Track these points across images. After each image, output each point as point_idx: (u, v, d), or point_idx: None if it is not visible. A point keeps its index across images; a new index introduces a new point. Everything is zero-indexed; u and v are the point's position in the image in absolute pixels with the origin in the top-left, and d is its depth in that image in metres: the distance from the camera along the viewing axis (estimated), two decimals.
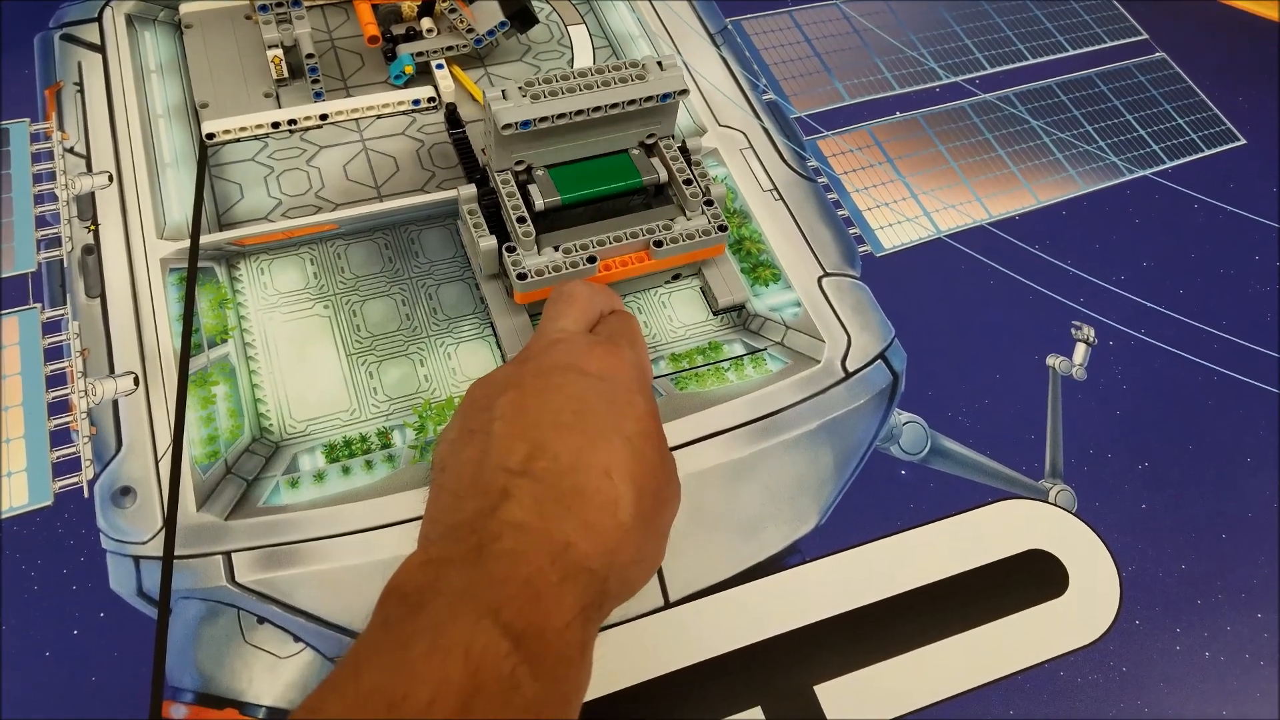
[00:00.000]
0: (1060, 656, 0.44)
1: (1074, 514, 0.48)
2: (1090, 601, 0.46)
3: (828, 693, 0.42)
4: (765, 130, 0.62)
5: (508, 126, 0.46)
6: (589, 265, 0.48)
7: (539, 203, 0.48)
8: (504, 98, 0.46)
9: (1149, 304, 0.56)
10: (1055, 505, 0.48)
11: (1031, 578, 0.46)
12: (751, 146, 0.61)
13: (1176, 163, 0.63)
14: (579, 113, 0.47)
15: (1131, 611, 0.46)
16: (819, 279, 0.55)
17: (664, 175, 0.51)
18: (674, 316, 0.53)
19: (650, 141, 0.51)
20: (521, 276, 0.48)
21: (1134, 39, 0.70)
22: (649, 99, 0.48)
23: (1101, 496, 0.49)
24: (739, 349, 0.52)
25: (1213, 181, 0.62)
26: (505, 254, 0.48)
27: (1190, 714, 0.43)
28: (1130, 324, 0.55)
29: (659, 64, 0.48)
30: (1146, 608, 0.46)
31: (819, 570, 0.46)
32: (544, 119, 0.46)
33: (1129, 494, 0.49)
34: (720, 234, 0.51)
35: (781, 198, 0.58)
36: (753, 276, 0.55)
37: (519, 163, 0.49)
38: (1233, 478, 0.50)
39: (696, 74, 0.64)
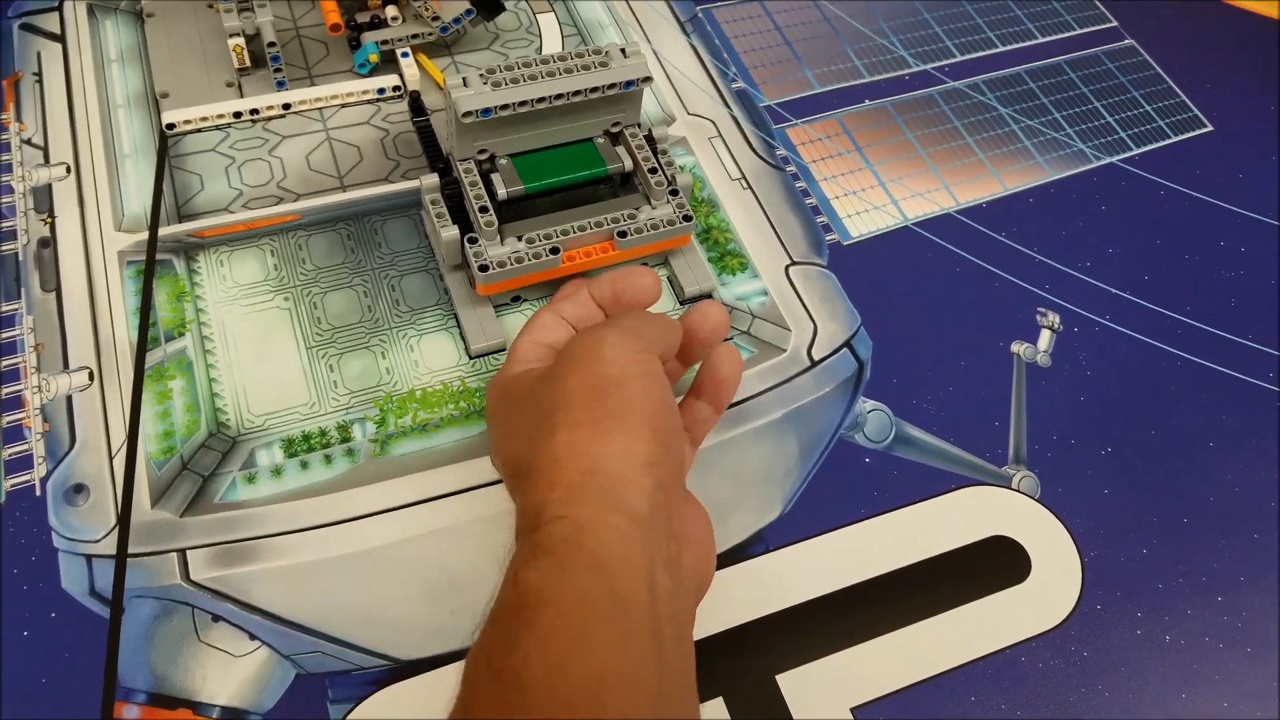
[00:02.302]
0: (1022, 642, 0.44)
1: (1037, 500, 0.48)
2: (1052, 587, 0.46)
3: (790, 682, 0.42)
4: (734, 119, 0.61)
5: (468, 114, 0.45)
6: (552, 256, 0.48)
7: (502, 192, 0.48)
8: (464, 85, 0.46)
9: (1114, 290, 0.56)
10: (1018, 492, 0.48)
11: (994, 564, 0.46)
12: (720, 135, 0.60)
13: (1144, 150, 0.63)
14: (541, 100, 0.46)
15: (1093, 596, 0.46)
16: (786, 268, 0.55)
17: (629, 164, 0.50)
18: None
19: (616, 130, 0.51)
20: (483, 268, 0.47)
21: (1103, 26, 0.70)
22: (612, 86, 0.47)
23: (1065, 482, 0.49)
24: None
25: (1179, 168, 0.62)
26: (467, 245, 0.48)
27: (1150, 698, 0.44)
28: (1095, 310, 0.55)
29: (622, 51, 0.48)
30: (1108, 592, 0.46)
31: (783, 559, 0.46)
32: (505, 106, 0.46)
33: (1092, 480, 0.49)
34: (685, 224, 0.50)
35: (750, 186, 0.58)
36: (720, 265, 0.54)
37: (482, 151, 0.48)
38: (1196, 462, 0.51)
39: (666, 62, 0.63)
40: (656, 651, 0.30)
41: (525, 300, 0.52)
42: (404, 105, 0.59)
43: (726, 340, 0.51)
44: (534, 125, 0.48)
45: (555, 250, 0.48)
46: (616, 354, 0.35)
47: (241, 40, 0.57)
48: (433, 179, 0.49)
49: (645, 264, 0.53)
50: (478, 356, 0.50)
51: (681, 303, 0.53)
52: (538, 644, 0.29)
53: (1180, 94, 0.66)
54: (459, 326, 0.50)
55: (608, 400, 0.34)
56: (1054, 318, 0.54)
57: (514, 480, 0.37)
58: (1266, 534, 0.49)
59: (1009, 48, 0.67)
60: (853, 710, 0.42)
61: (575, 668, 0.29)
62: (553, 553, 0.31)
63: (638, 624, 0.30)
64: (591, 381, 0.35)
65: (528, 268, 0.48)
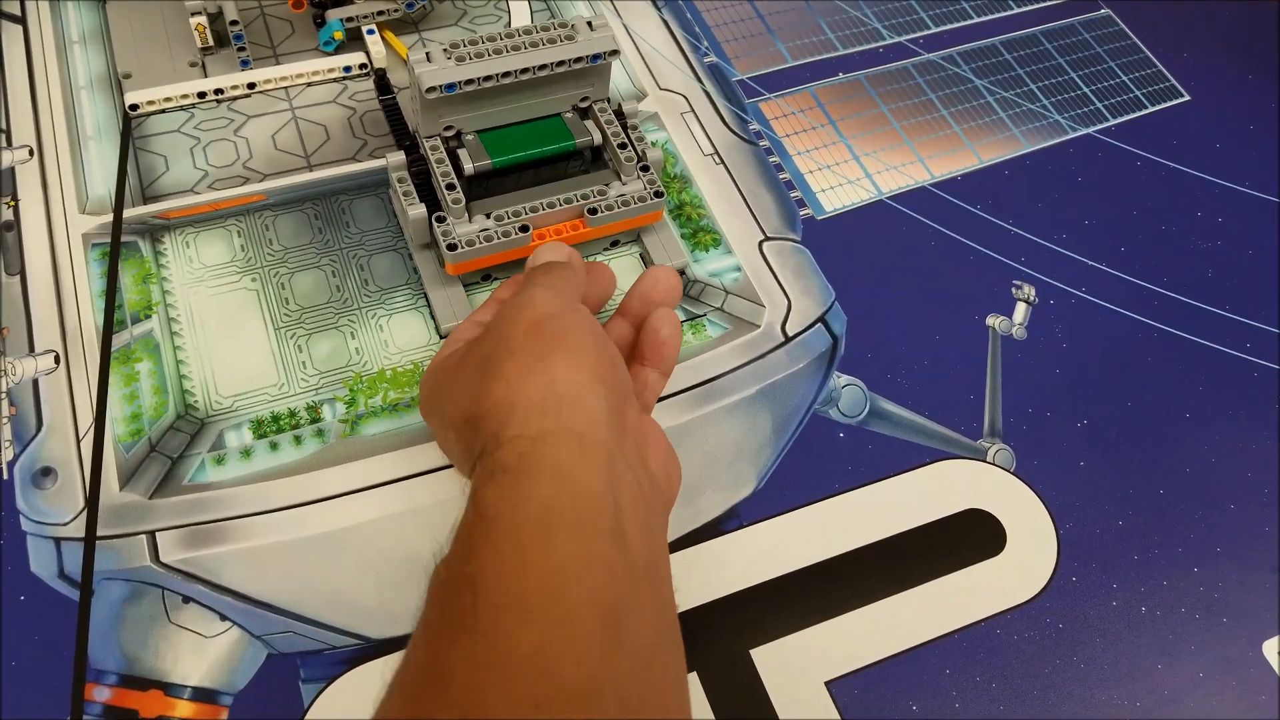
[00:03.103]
0: (997, 615, 0.44)
1: (1012, 473, 0.48)
2: (1027, 559, 0.46)
3: (764, 656, 0.42)
4: (706, 93, 0.61)
5: (432, 90, 0.45)
6: (522, 234, 0.47)
7: (469, 167, 0.47)
8: (428, 60, 0.45)
9: (1090, 262, 0.56)
10: (993, 464, 0.48)
11: (969, 537, 0.46)
12: (692, 110, 0.60)
13: (1120, 120, 0.62)
14: (506, 75, 0.46)
15: (1068, 568, 0.46)
16: (760, 243, 0.54)
17: (598, 138, 0.50)
18: None
19: (584, 105, 0.50)
20: (452, 247, 0.47)
21: None
22: (579, 60, 0.47)
23: (1040, 455, 0.49)
24: (679, 315, 0.51)
25: (1156, 138, 0.62)
26: (435, 224, 0.47)
27: (1125, 669, 0.44)
28: (1071, 283, 0.55)
29: (589, 24, 0.47)
30: (1083, 564, 0.46)
31: (756, 534, 0.45)
32: (470, 81, 0.45)
33: (1067, 452, 0.49)
34: (657, 200, 0.50)
35: (722, 161, 0.58)
36: (693, 242, 0.54)
37: (448, 128, 0.48)
38: (1171, 433, 0.51)
39: (637, 36, 0.63)
40: (620, 548, 0.30)
41: (496, 278, 0.51)
42: (371, 83, 0.58)
43: (698, 318, 0.51)
44: (500, 100, 0.48)
45: (525, 228, 0.47)
46: (549, 305, 0.37)
47: (204, 19, 0.56)
48: (399, 157, 0.48)
49: (617, 241, 0.53)
50: (448, 336, 0.49)
51: None
52: (493, 551, 0.29)
53: (1157, 64, 0.66)
54: (429, 306, 0.50)
55: (546, 331, 0.35)
56: (1029, 290, 0.54)
57: (463, 434, 0.36)
58: (1242, 505, 0.49)
59: (984, 19, 0.67)
60: (827, 684, 0.42)
61: (533, 568, 0.28)
62: (510, 470, 0.31)
63: (600, 522, 0.30)
64: (529, 322, 0.36)
65: (497, 246, 0.47)
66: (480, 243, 0.47)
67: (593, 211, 0.49)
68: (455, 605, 0.28)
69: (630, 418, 0.36)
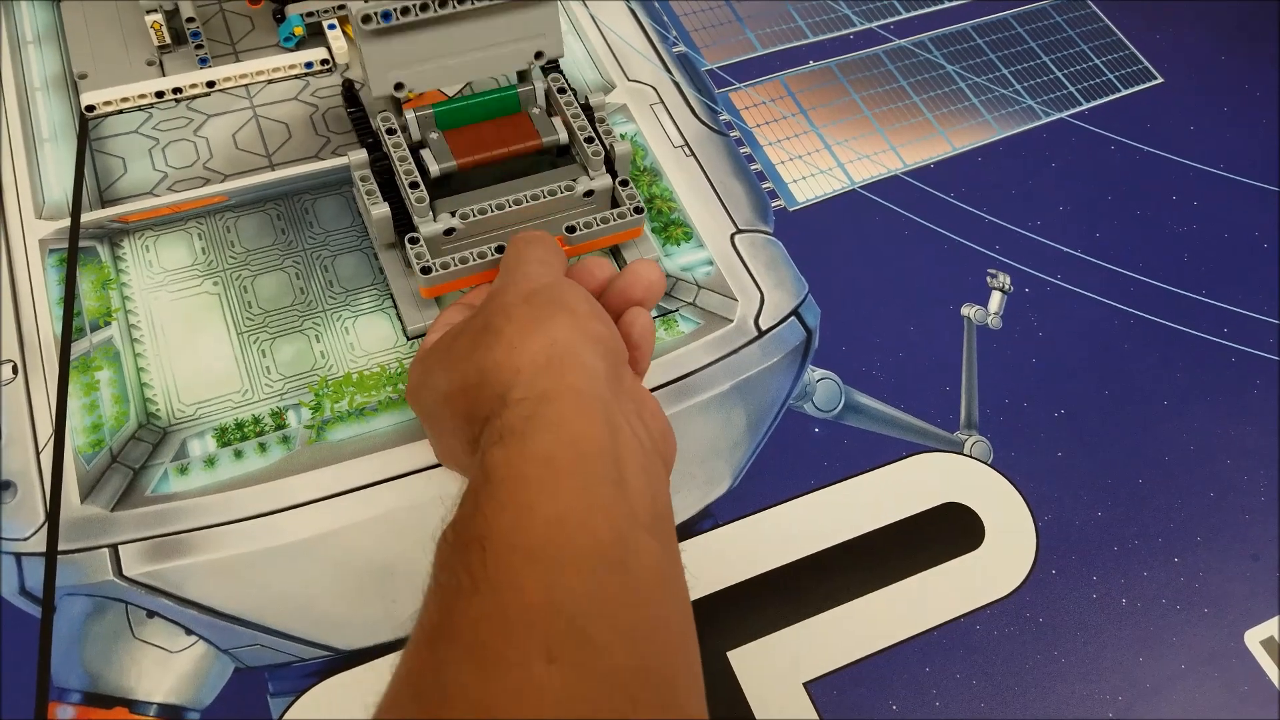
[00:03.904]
0: (977, 610, 0.44)
1: (989, 465, 0.48)
2: (1006, 553, 0.45)
3: (741, 659, 0.42)
4: (676, 84, 0.60)
5: (368, 19, 0.43)
6: (498, 255, 0.46)
7: (434, 169, 0.46)
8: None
9: (1065, 249, 0.55)
10: (970, 457, 0.48)
11: (947, 532, 0.46)
12: (662, 101, 0.59)
13: (1093, 104, 0.62)
14: (444, 3, 0.44)
15: (1048, 561, 0.45)
16: (731, 236, 0.54)
17: (564, 136, 0.49)
18: None
19: (543, 64, 0.48)
20: (426, 270, 0.45)
21: None
22: None
23: (1018, 446, 0.48)
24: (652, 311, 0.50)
25: (1130, 122, 0.61)
26: (408, 245, 0.46)
27: (1106, 662, 0.43)
28: (1046, 270, 0.54)
29: None
30: (1063, 557, 0.46)
31: (732, 533, 0.45)
32: (406, 11, 0.43)
33: (1045, 443, 0.49)
34: (636, 216, 0.49)
35: (693, 154, 0.57)
36: (664, 236, 0.53)
37: (399, 86, 0.46)
38: (1149, 421, 0.50)
39: (604, 27, 0.62)
40: (621, 493, 0.31)
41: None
42: (333, 80, 0.57)
43: (670, 313, 0.50)
44: (448, 51, 0.46)
45: (500, 249, 0.46)
46: (541, 277, 0.39)
47: (159, 17, 0.54)
48: (361, 155, 0.47)
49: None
50: (415, 337, 0.48)
51: None
52: (499, 509, 0.30)
53: (1130, 46, 0.65)
54: (395, 306, 0.49)
55: (542, 298, 0.37)
56: (1004, 279, 0.54)
57: (459, 403, 0.36)
58: (1221, 493, 0.48)
59: (955, 3, 0.66)
60: (805, 685, 0.42)
61: (537, 519, 0.29)
62: (517, 433, 0.32)
63: (600, 468, 0.31)
64: (524, 292, 0.37)
65: (473, 268, 0.46)
66: (455, 265, 0.45)
67: (570, 230, 0.47)
68: (464, 564, 0.29)
69: (626, 378, 0.38)
